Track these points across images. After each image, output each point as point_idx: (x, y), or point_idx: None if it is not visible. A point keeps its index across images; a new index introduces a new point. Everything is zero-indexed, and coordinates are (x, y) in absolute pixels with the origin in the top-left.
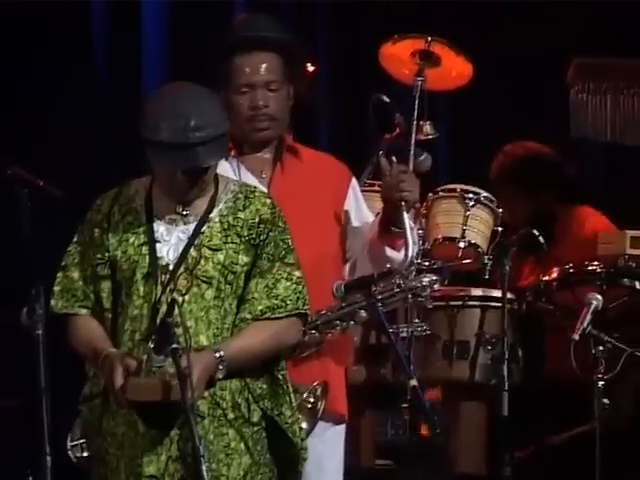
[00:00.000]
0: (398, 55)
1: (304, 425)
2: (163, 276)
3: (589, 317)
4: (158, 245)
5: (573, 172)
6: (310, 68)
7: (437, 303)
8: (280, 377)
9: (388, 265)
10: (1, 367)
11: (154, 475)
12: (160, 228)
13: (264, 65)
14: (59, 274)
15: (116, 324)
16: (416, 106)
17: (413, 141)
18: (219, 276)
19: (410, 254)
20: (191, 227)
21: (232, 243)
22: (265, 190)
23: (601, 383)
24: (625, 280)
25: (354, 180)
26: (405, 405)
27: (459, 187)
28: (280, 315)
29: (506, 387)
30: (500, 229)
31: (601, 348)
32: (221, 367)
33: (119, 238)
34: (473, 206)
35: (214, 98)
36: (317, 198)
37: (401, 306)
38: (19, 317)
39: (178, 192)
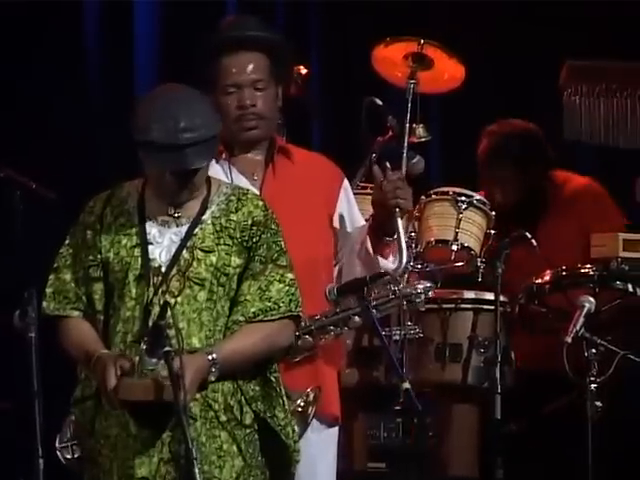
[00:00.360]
0: (391, 58)
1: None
2: (155, 278)
3: (582, 320)
4: (150, 247)
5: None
6: (303, 71)
7: (430, 306)
8: (273, 379)
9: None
10: None
11: (145, 477)
12: (152, 230)
13: (251, 65)
14: (51, 276)
15: (108, 326)
16: (409, 109)
17: (406, 144)
18: (211, 278)
19: (404, 261)
20: (183, 229)
21: (224, 245)
22: (257, 192)
23: (594, 386)
24: (618, 283)
25: (346, 182)
26: (398, 408)
27: (452, 190)
28: (273, 317)
29: (498, 390)
30: (493, 232)
31: (594, 351)
32: (213, 369)
33: (111, 240)
34: (466, 209)
35: (205, 100)
36: (309, 200)
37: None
38: (12, 319)
39: (168, 193)
